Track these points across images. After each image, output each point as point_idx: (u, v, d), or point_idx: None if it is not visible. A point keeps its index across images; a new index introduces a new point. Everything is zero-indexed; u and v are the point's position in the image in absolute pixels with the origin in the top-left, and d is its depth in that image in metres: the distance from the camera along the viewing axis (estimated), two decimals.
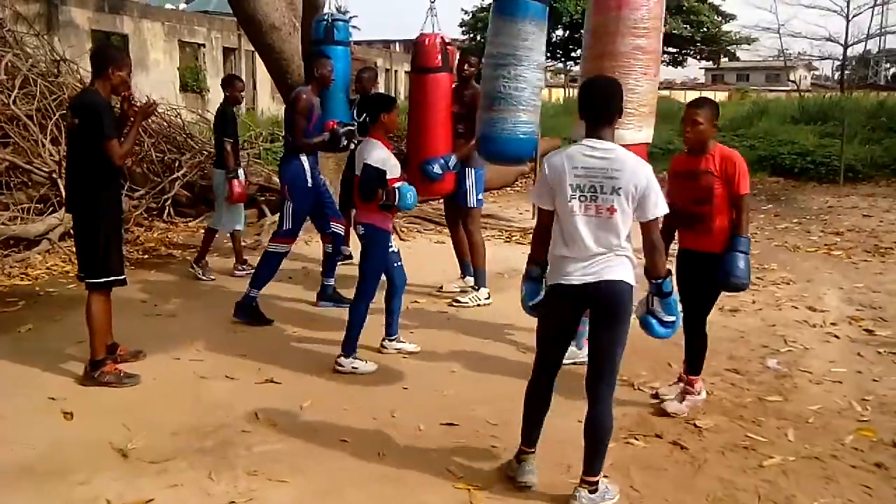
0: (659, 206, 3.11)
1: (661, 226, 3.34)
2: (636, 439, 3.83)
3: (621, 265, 3.13)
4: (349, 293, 6.28)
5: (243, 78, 9.42)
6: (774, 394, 4.40)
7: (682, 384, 4.24)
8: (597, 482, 3.18)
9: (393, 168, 4.51)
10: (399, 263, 4.92)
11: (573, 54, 29.90)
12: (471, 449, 3.67)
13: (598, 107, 3.12)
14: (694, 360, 4.16)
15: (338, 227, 6.09)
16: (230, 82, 6.91)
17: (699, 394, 4.17)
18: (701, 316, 4.12)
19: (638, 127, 4.14)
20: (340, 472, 3.48)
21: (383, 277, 4.82)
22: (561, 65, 34.00)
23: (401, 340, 5.07)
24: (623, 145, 3.19)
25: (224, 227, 6.94)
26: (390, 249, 4.80)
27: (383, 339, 5.04)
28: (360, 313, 4.67)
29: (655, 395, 4.31)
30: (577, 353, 4.75)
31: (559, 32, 28.91)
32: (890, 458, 3.65)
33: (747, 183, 3.91)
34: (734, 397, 4.29)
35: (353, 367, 4.65)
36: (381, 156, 4.49)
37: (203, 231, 7.35)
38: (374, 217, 4.59)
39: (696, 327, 4.12)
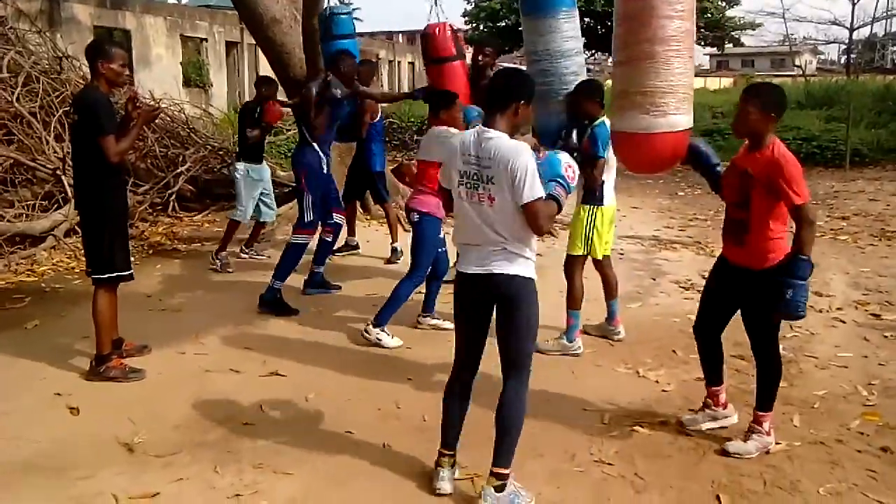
0: (534, 189, 2.92)
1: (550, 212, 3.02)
2: (641, 426, 3.83)
3: (512, 259, 3.02)
4: (350, 284, 6.33)
5: (245, 72, 9.46)
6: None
7: (708, 410, 3.80)
8: (506, 476, 3.04)
9: None
10: (444, 249, 5.14)
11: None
12: (474, 438, 3.66)
13: (494, 95, 3.06)
14: (767, 392, 3.55)
15: (339, 218, 6.11)
16: (260, 83, 6.99)
17: (769, 434, 3.55)
18: (767, 340, 3.54)
19: (688, 111, 3.96)
20: (345, 463, 3.48)
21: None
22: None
23: (435, 317, 5.28)
24: (679, 132, 3.39)
25: (239, 217, 6.96)
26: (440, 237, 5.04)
27: (419, 315, 5.29)
28: (405, 293, 4.95)
29: (680, 423, 3.85)
30: (568, 346, 4.77)
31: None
32: (895, 443, 3.64)
33: (802, 190, 3.27)
34: (739, 383, 4.27)
35: (377, 339, 4.89)
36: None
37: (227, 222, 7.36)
38: (430, 205, 4.80)
39: (766, 355, 3.54)
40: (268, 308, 5.59)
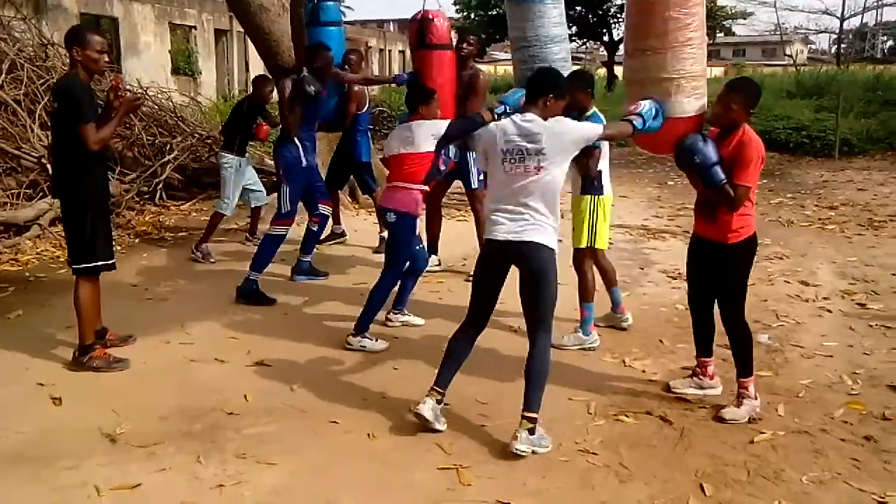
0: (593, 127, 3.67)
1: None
2: (626, 416, 3.83)
3: (542, 230, 3.48)
4: (337, 273, 6.32)
5: (235, 60, 9.46)
6: (765, 369, 4.39)
7: (696, 378, 4.08)
8: (535, 420, 3.43)
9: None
10: (420, 246, 5.05)
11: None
12: (460, 428, 3.67)
13: (529, 89, 3.62)
14: (741, 358, 3.83)
15: (325, 209, 6.10)
16: (255, 83, 7.08)
17: (755, 398, 3.82)
18: (732, 309, 3.82)
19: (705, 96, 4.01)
20: (330, 453, 3.48)
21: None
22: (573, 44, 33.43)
23: (406, 313, 5.18)
24: (690, 117, 3.71)
25: (225, 210, 6.94)
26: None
27: (388, 312, 5.10)
28: (380, 298, 4.77)
29: (667, 388, 4.13)
30: (585, 339, 4.75)
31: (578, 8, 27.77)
32: (879, 431, 3.66)
33: (747, 174, 3.57)
34: (724, 373, 4.26)
35: (361, 346, 4.71)
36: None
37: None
38: (407, 203, 4.65)
39: (733, 322, 3.82)
40: (245, 299, 5.55)
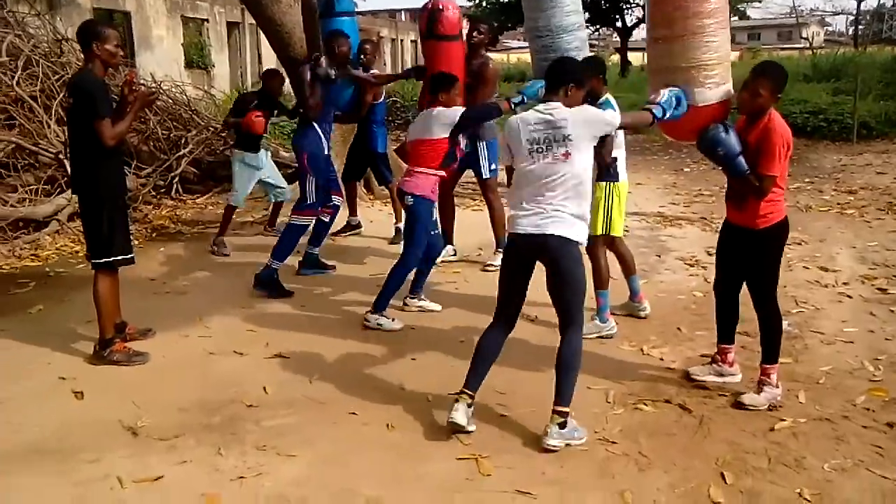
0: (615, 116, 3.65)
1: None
2: (645, 405, 3.82)
3: (568, 222, 3.44)
4: (353, 264, 6.33)
5: (248, 53, 9.50)
6: (785, 355, 4.34)
7: (715, 365, 4.08)
8: (566, 413, 3.39)
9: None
10: (436, 231, 5.13)
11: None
12: (479, 418, 3.66)
13: (550, 78, 3.59)
14: (769, 344, 3.82)
15: (337, 200, 6.10)
16: (265, 77, 7.10)
17: (777, 386, 3.81)
18: (764, 294, 3.81)
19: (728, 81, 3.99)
20: (349, 444, 3.49)
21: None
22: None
23: (422, 299, 5.27)
24: (712, 104, 3.69)
25: (237, 202, 6.96)
26: (433, 219, 5.04)
27: (406, 297, 5.25)
28: (399, 277, 4.97)
29: (688, 376, 4.12)
30: (602, 326, 4.74)
31: None
32: None
33: (774, 165, 3.56)
34: (745, 360, 4.24)
35: (378, 324, 4.88)
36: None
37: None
38: (424, 187, 4.83)
39: (765, 307, 3.81)
40: (262, 287, 5.56)
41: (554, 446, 3.35)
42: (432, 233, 5.05)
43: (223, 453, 3.40)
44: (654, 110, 3.65)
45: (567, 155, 3.40)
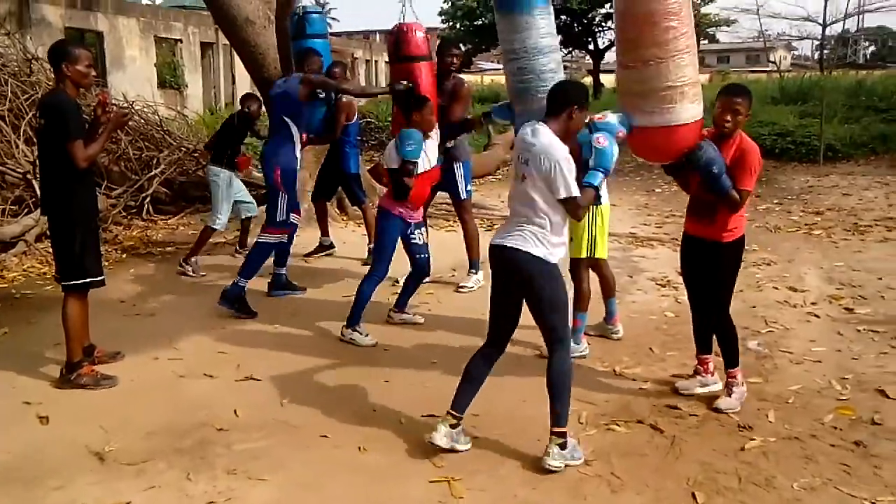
0: (570, 189, 3.34)
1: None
2: (617, 425, 3.83)
3: (529, 239, 3.39)
4: (326, 285, 6.30)
5: (221, 73, 9.52)
6: (755, 375, 4.40)
7: (699, 376, 4.23)
8: (564, 434, 3.39)
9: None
10: (426, 255, 5.17)
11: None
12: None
13: (551, 101, 3.55)
14: (728, 352, 4.06)
15: (296, 219, 5.99)
16: (244, 101, 7.20)
17: (742, 385, 4.07)
18: (720, 306, 4.02)
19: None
20: (321, 467, 3.45)
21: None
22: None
23: (406, 312, 5.37)
24: (688, 124, 3.69)
25: (217, 225, 6.90)
26: (414, 241, 5.09)
27: (391, 311, 5.37)
28: (366, 292, 5.01)
29: (676, 390, 4.22)
30: (575, 348, 4.73)
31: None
32: (869, 436, 3.67)
33: (750, 179, 3.79)
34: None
35: (350, 338, 4.96)
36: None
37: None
38: (386, 201, 4.99)
39: (720, 319, 4.04)
40: (228, 303, 5.50)
41: (556, 467, 3.34)
42: (422, 256, 5.14)
43: (192, 478, 3.35)
44: (591, 182, 3.48)
45: (523, 178, 3.41)
